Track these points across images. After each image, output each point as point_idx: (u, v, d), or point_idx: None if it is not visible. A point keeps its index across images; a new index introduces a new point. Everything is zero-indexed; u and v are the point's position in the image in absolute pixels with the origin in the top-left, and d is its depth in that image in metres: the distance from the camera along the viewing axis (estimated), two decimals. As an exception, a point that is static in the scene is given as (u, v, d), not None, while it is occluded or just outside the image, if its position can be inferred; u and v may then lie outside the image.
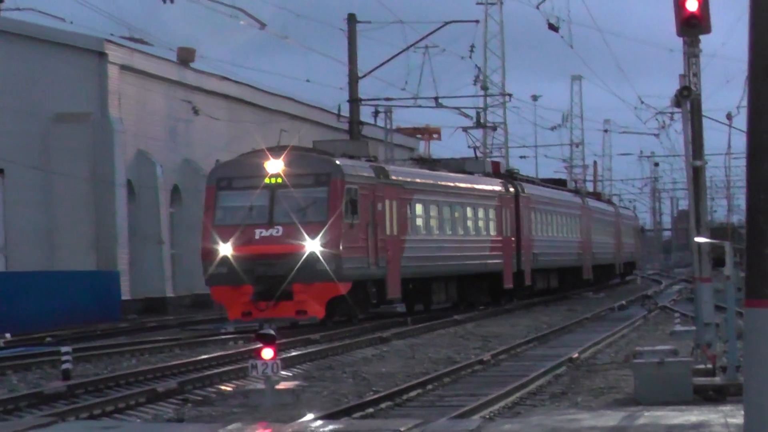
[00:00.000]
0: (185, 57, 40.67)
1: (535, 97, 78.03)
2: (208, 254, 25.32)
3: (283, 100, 47.44)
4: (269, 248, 24.86)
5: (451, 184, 32.16)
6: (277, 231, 25.01)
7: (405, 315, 30.16)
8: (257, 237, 25.04)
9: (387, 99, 42.05)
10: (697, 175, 14.85)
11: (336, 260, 24.93)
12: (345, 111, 41.51)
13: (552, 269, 41.68)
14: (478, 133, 42.75)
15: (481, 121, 46.75)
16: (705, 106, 15.18)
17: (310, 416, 12.95)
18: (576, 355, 19.17)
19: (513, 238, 35.96)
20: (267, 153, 25.74)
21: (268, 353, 14.34)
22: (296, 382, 15.15)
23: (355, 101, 41.02)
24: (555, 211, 42.09)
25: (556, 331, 25.71)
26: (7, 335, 25.81)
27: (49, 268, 34.35)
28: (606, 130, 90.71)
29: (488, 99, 58.47)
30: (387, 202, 27.68)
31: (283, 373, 15.10)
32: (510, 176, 38.90)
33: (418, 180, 30.19)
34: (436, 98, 42.68)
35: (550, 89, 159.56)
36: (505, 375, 17.31)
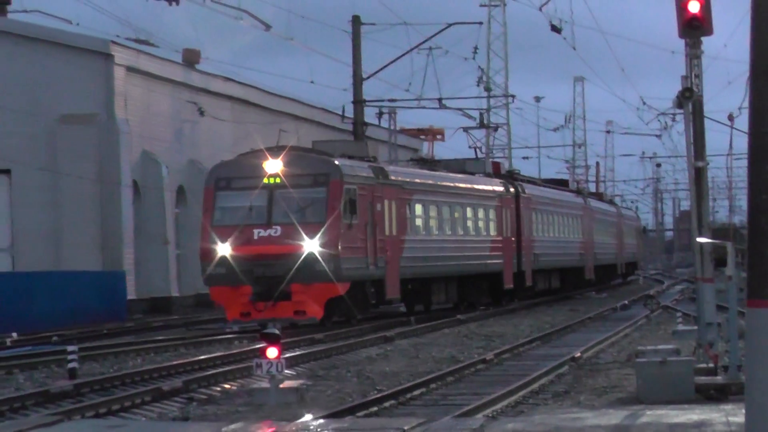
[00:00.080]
0: (190, 58, 40.81)
1: (537, 99, 78.18)
2: (207, 254, 25.26)
3: (288, 101, 47.55)
4: (268, 248, 24.81)
5: (451, 185, 32.11)
6: (275, 231, 24.96)
7: (407, 315, 30.19)
8: (256, 237, 24.99)
9: (391, 100, 42.18)
10: (699, 176, 14.92)
11: (334, 260, 24.89)
12: (349, 112, 41.64)
13: (553, 269, 41.69)
14: (478, 133, 42.80)
15: (485, 122, 46.79)
16: (707, 108, 15.27)
17: (314, 415, 13.04)
18: (579, 355, 19.23)
19: (513, 239, 35.92)
20: (266, 153, 25.67)
21: (272, 352, 14.42)
22: (301, 381, 15.22)
23: (359, 102, 41.13)
24: (556, 212, 42.09)
25: (558, 331, 25.77)
26: (14, 334, 25.93)
27: (55, 268, 34.48)
28: (608, 131, 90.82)
29: (491, 100, 58.61)
30: (386, 202, 27.61)
31: (287, 372, 15.18)
32: (510, 177, 38.87)
33: (417, 180, 30.14)
34: (439, 99, 42.78)
35: (553, 90, 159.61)
36: (509, 374, 17.38)
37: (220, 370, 17.48)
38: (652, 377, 13.48)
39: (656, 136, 65.39)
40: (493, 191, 34.92)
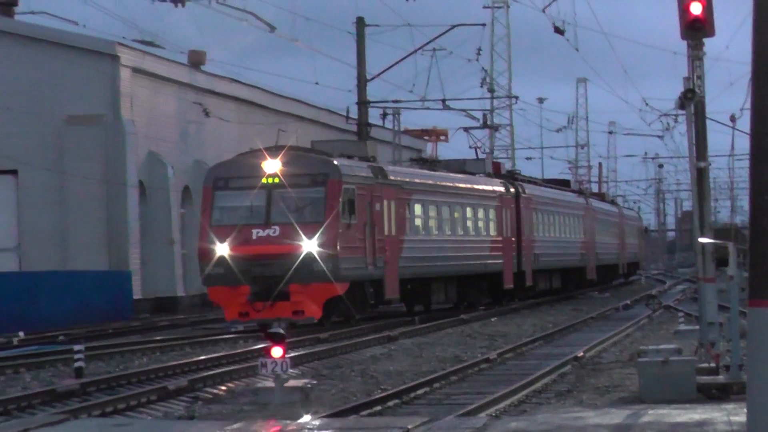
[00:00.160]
0: (196, 60, 40.94)
1: (541, 100, 78.25)
2: (205, 254, 25.16)
3: (293, 102, 47.66)
4: (266, 248, 24.71)
5: (451, 185, 32.02)
6: (274, 231, 24.85)
7: (408, 315, 30.17)
8: (254, 237, 24.89)
9: (395, 101, 42.22)
10: (700, 177, 14.99)
11: (333, 260, 24.80)
12: (353, 113, 41.70)
13: (554, 269, 41.68)
14: (479, 133, 42.85)
15: (488, 123, 46.87)
16: (709, 109, 15.33)
17: (318, 414, 13.12)
18: (581, 354, 19.28)
19: (513, 239, 35.87)
20: (264, 153, 25.56)
21: (277, 352, 14.49)
22: (305, 381, 15.29)
23: (363, 103, 41.21)
24: (557, 212, 42.06)
25: (561, 331, 25.81)
26: (21, 334, 26.04)
27: (62, 268, 34.62)
28: (611, 132, 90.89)
29: (495, 101, 58.67)
30: (385, 202, 27.53)
31: (292, 371, 15.26)
32: (511, 177, 38.82)
33: (417, 180, 30.06)
34: (443, 100, 42.84)
35: (556, 92, 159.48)
36: (512, 373, 17.45)
37: (225, 369, 17.57)
38: (654, 377, 13.54)
39: (658, 136, 65.45)
40: (493, 191, 34.87)
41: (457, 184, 32.55)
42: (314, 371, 18.37)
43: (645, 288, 50.14)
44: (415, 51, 41.65)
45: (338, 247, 25.06)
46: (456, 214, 32.12)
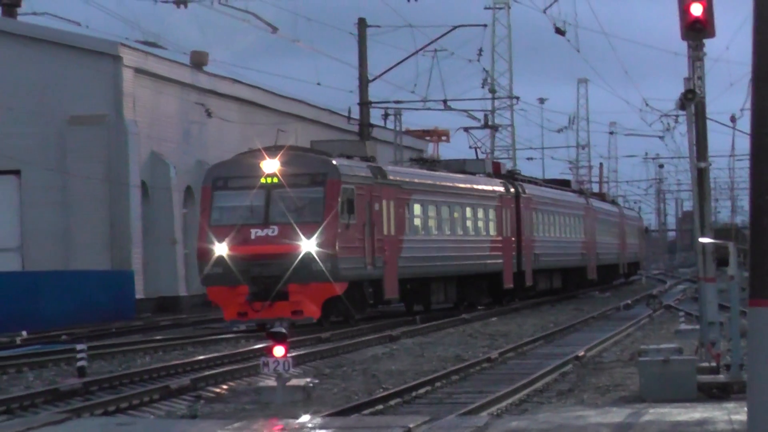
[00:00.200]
0: (198, 60, 41.01)
1: (542, 100, 78.34)
2: (204, 254, 25.13)
3: (295, 102, 47.72)
4: (265, 248, 24.66)
5: (450, 185, 31.98)
6: (272, 231, 24.80)
7: (407, 314, 30.21)
8: (253, 237, 24.84)
9: (396, 102, 42.27)
10: (701, 177, 15.04)
11: (332, 260, 24.75)
12: (355, 114, 41.76)
13: (555, 269, 41.67)
14: (479, 133, 42.91)
15: (489, 123, 46.92)
16: (709, 109, 15.39)
17: (320, 413, 13.17)
18: (582, 354, 19.33)
19: (513, 239, 35.85)
20: (263, 153, 25.51)
21: (279, 351, 14.55)
22: (307, 380, 15.35)
23: (365, 104, 41.26)
24: (557, 212, 42.05)
25: (562, 330, 25.86)
26: (24, 333, 26.11)
27: (64, 268, 34.69)
28: (612, 133, 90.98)
29: (496, 102, 58.67)
30: (384, 202, 27.48)
31: (293, 370, 15.31)
32: (511, 177, 38.77)
33: (416, 180, 30.02)
34: (444, 101, 42.88)
35: (557, 92, 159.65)
36: (513, 373, 17.50)
37: (228, 368, 17.62)
38: (655, 376, 13.59)
39: (659, 137, 65.48)
40: (493, 191, 34.84)
41: (456, 184, 32.52)
42: (316, 370, 18.42)
43: (646, 288, 50.19)
44: (417, 52, 41.73)
45: (337, 247, 25.02)
46: (456, 214, 32.07)
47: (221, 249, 24.91)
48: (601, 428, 10.98)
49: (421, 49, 41.80)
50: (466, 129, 41.32)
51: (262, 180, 25.29)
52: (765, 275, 7.32)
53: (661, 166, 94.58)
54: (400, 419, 12.35)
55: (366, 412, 13.41)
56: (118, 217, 36.24)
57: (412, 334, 24.85)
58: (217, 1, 32.92)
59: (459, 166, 35.61)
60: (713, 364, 14.28)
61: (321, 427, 11.61)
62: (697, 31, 14.56)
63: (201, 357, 19.36)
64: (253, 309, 24.64)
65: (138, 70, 37.24)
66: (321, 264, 24.60)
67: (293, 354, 16.59)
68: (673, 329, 22.22)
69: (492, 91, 55.55)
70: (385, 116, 41.86)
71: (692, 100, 14.88)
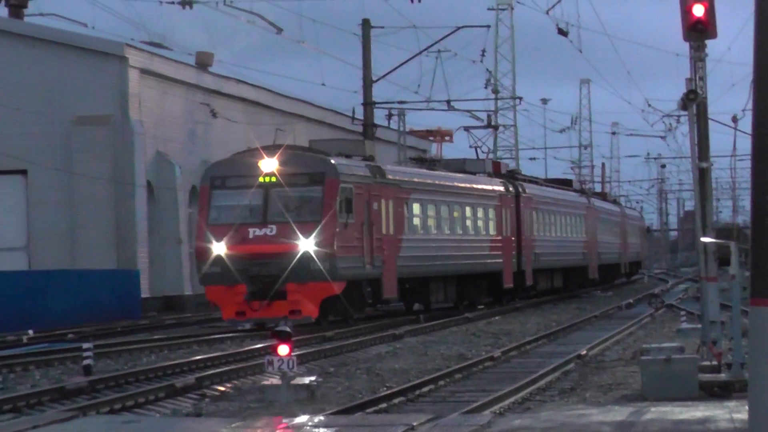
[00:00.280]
0: (203, 61, 41.12)
1: (544, 101, 78.39)
2: (202, 253, 25.08)
3: (299, 103, 47.82)
4: (263, 248, 24.58)
5: (450, 184, 31.90)
6: (270, 230, 24.72)
7: (407, 314, 30.21)
8: (251, 236, 24.76)
9: (400, 102, 42.33)
10: (703, 177, 15.11)
11: (330, 260, 24.68)
12: (359, 114, 41.85)
13: (556, 269, 41.62)
14: (480, 132, 42.97)
15: (492, 123, 46.97)
16: (711, 110, 15.47)
17: (324, 411, 13.25)
18: (584, 352, 19.38)
19: (513, 238, 35.78)
20: (261, 152, 25.44)
21: (284, 350, 14.62)
22: (311, 378, 15.43)
23: (369, 104, 41.33)
24: (558, 211, 41.98)
25: (565, 329, 25.89)
26: (30, 332, 26.23)
27: (70, 267, 34.81)
28: (614, 133, 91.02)
29: (499, 102, 58.72)
30: (383, 201, 27.40)
31: (298, 369, 15.39)
32: (511, 176, 38.73)
33: (415, 179, 29.92)
34: (448, 101, 42.93)
35: (560, 93, 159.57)
36: (516, 371, 17.56)
37: (233, 367, 17.69)
38: (657, 375, 13.64)
39: (661, 137, 65.51)
40: (493, 191, 34.76)
41: (456, 184, 32.45)
42: (320, 369, 18.49)
43: (647, 287, 50.22)
44: (421, 52, 41.78)
45: (335, 246, 24.93)
46: (455, 214, 31.99)
47: (219, 248, 24.85)
48: (603, 426, 11.04)
49: (424, 50, 41.88)
50: (466, 128, 41.36)
51: (261, 179, 25.20)
52: (766, 274, 7.35)
53: (663, 166, 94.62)
54: (403, 417, 12.43)
55: (370, 410, 13.47)
56: (124, 217, 36.36)
57: (415, 333, 24.91)
58: (223, 2, 33.05)
59: (459, 166, 35.57)
60: (715, 362, 14.34)
61: (325, 426, 11.69)
62: (698, 32, 14.64)
63: (206, 356, 19.43)
64: (251, 308, 24.58)
65: (144, 71, 37.36)
66: (319, 263, 24.53)
67: (297, 353, 16.69)
68: (674, 328, 22.29)
69: (495, 91, 55.62)
70: (389, 116, 41.92)
71: (694, 101, 14.95)
